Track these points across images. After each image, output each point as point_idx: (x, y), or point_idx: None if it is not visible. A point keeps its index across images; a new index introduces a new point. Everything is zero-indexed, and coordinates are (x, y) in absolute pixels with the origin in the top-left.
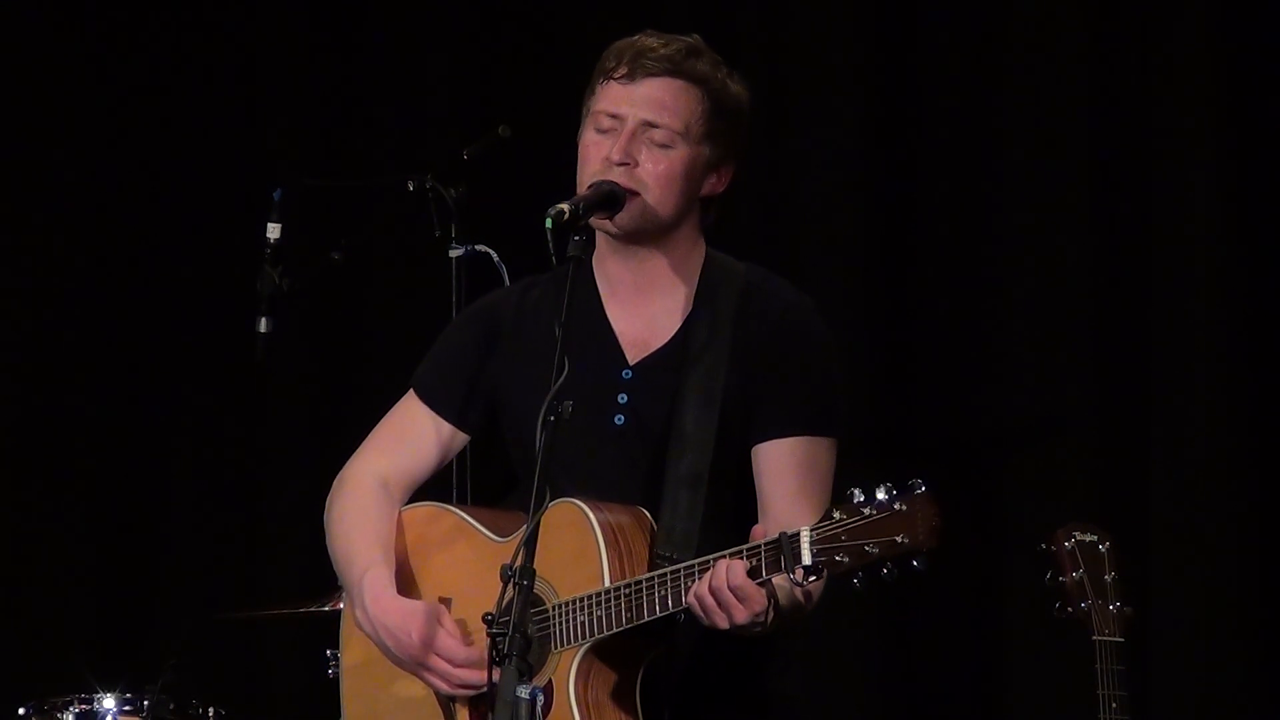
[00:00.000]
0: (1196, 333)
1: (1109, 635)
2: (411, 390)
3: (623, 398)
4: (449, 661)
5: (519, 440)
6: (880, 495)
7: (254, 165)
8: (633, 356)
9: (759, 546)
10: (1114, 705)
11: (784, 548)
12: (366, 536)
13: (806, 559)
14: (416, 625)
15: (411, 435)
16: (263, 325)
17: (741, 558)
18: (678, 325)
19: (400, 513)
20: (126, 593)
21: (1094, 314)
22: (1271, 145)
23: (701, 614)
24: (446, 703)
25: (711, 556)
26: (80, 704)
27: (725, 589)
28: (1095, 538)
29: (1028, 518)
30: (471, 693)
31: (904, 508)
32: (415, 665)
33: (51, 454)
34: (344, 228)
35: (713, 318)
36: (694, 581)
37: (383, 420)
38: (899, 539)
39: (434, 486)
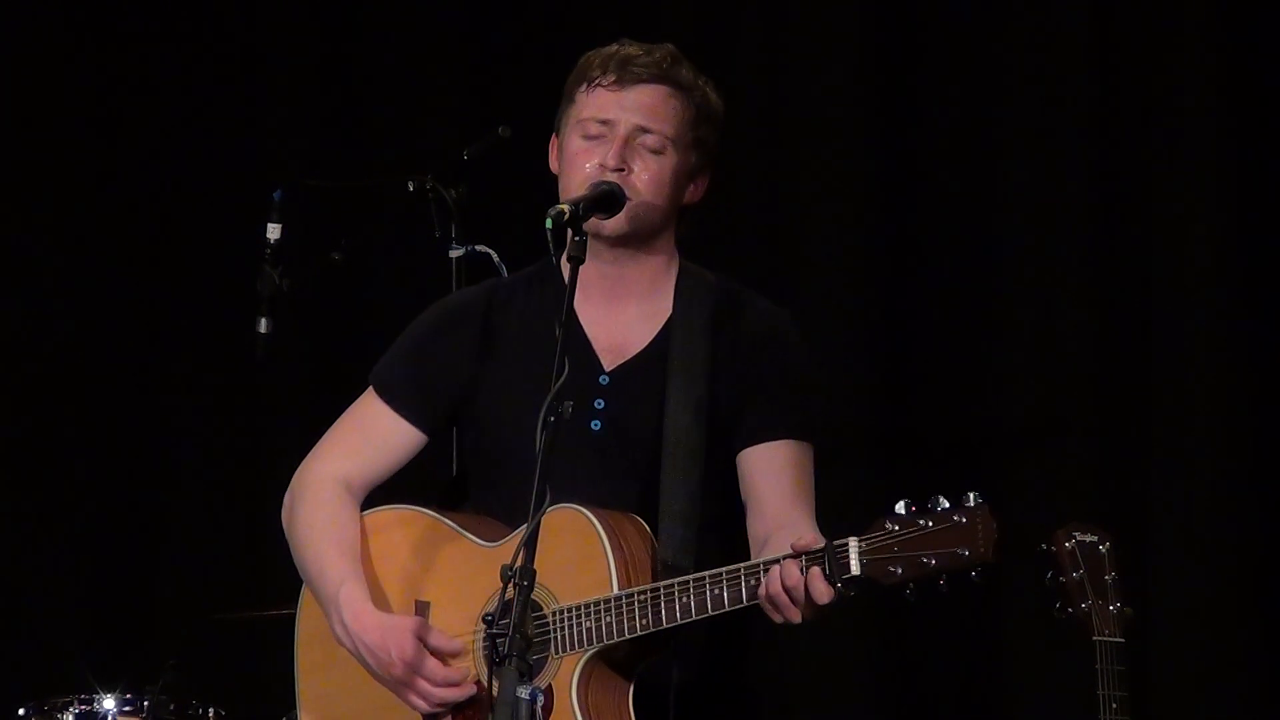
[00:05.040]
0: (1196, 333)
1: (1109, 635)
2: (371, 389)
3: (599, 403)
4: (430, 682)
5: (478, 445)
6: (941, 506)
7: (254, 165)
8: (609, 362)
9: (800, 557)
10: (1114, 705)
11: (829, 557)
12: (339, 547)
13: (855, 569)
14: (397, 645)
15: (374, 436)
16: (263, 325)
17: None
18: (654, 332)
19: (367, 516)
20: (126, 593)
21: (1094, 314)
22: (1272, 146)
23: (773, 610)
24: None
25: (741, 565)
26: (80, 704)
27: (800, 587)
28: (1095, 538)
29: (1028, 518)
30: (449, 707)
31: (963, 520)
32: (396, 684)
33: (52, 454)
34: (344, 228)
35: (690, 325)
36: (720, 589)
37: (340, 419)
38: (959, 551)
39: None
